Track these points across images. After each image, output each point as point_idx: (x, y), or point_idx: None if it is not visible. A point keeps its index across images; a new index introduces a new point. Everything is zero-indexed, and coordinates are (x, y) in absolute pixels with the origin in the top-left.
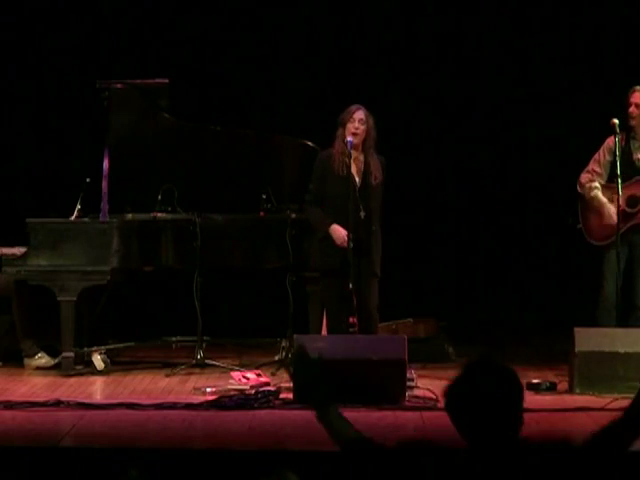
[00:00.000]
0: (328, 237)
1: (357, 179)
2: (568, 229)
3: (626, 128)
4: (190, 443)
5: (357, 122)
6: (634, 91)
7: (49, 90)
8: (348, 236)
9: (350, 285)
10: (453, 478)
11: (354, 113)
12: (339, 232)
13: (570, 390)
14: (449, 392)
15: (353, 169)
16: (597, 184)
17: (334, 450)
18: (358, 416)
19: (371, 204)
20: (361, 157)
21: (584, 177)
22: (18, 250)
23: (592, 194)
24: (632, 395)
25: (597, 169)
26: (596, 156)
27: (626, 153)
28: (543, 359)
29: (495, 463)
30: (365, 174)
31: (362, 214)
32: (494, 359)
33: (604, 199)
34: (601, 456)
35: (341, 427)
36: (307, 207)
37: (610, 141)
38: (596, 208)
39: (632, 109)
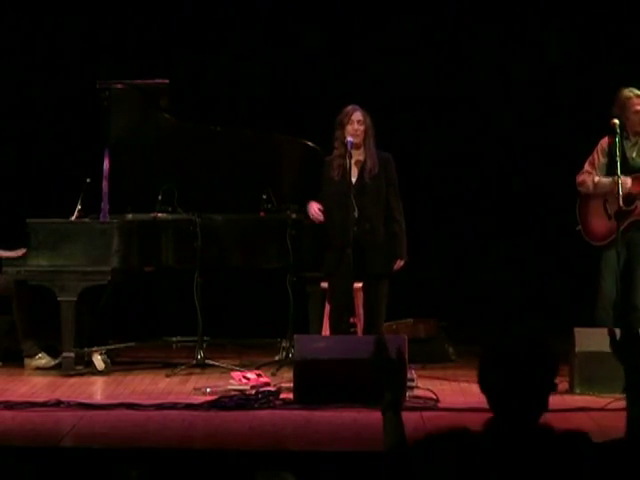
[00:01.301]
0: (331, 238)
1: (354, 179)
2: (568, 229)
3: (619, 127)
4: (190, 443)
5: (356, 123)
6: (633, 97)
7: (49, 90)
8: (322, 212)
9: (353, 285)
10: (474, 462)
11: (352, 115)
12: (310, 207)
13: (570, 390)
14: (490, 351)
15: (353, 170)
16: (597, 177)
17: (334, 450)
18: (358, 416)
19: (365, 202)
20: (362, 157)
21: (581, 177)
22: (16, 253)
23: (596, 183)
24: None
25: (592, 171)
26: (591, 158)
27: (621, 152)
28: None
29: (516, 447)
30: (361, 172)
31: (356, 213)
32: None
33: (611, 183)
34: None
35: (393, 432)
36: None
37: (604, 142)
38: (606, 191)
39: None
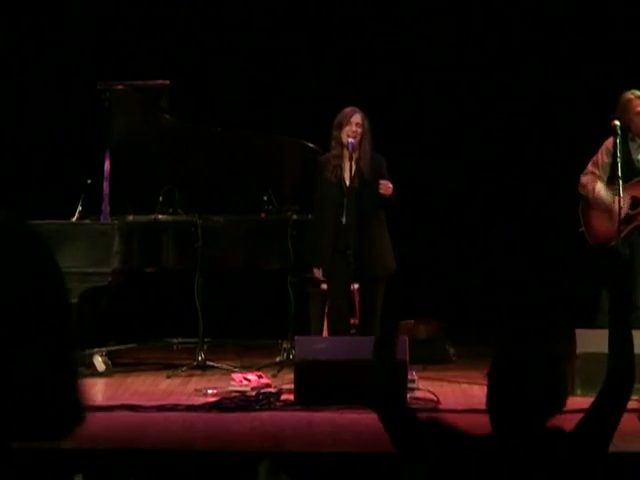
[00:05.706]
0: (328, 240)
1: (347, 182)
2: (570, 230)
3: (624, 129)
4: (191, 444)
5: (354, 125)
6: (634, 98)
7: (50, 91)
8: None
9: (351, 287)
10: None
11: (351, 117)
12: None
13: (571, 391)
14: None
15: (347, 173)
16: (600, 183)
17: (334, 451)
18: (359, 417)
19: (361, 205)
20: (357, 160)
21: (584, 179)
22: None
23: (596, 193)
24: (634, 396)
25: (596, 172)
26: (595, 158)
27: (626, 154)
28: None
29: (521, 450)
30: (357, 175)
31: (343, 219)
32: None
33: (610, 197)
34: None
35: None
36: (313, 216)
37: (608, 143)
38: (604, 206)
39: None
